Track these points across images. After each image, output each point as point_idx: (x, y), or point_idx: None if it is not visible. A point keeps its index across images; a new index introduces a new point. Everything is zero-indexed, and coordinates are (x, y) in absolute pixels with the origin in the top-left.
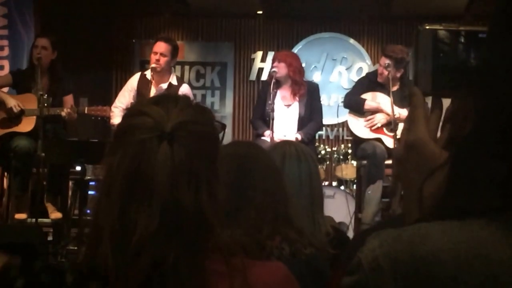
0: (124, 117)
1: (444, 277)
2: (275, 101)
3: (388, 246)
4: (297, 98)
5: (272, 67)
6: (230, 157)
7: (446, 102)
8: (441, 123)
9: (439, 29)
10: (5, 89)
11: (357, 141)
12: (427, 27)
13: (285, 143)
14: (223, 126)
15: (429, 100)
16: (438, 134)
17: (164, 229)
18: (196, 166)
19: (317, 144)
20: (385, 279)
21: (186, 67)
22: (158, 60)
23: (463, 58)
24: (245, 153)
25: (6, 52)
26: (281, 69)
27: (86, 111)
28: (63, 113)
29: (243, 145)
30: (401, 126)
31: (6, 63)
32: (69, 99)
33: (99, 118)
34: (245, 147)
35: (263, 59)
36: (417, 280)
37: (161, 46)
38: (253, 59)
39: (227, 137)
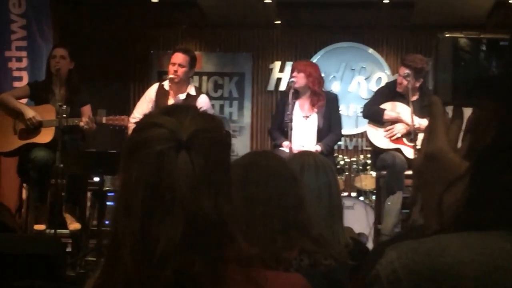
0: (136, 131)
1: None
2: (294, 111)
3: (407, 258)
4: (315, 110)
5: (291, 77)
6: (236, 167)
7: (467, 111)
8: (462, 133)
9: (460, 37)
10: (24, 101)
11: (377, 152)
12: (447, 35)
13: (304, 154)
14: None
15: (449, 110)
16: (459, 144)
17: (188, 239)
18: (214, 173)
19: (336, 154)
20: None
21: (204, 78)
22: (176, 71)
23: (484, 66)
24: (249, 162)
25: (25, 63)
26: (300, 80)
27: (104, 121)
28: (82, 123)
29: (251, 154)
30: (421, 136)
31: (24, 74)
32: (86, 110)
33: (117, 128)
34: (252, 156)
35: (281, 69)
36: None
37: (179, 57)
38: (271, 69)
39: (245, 148)
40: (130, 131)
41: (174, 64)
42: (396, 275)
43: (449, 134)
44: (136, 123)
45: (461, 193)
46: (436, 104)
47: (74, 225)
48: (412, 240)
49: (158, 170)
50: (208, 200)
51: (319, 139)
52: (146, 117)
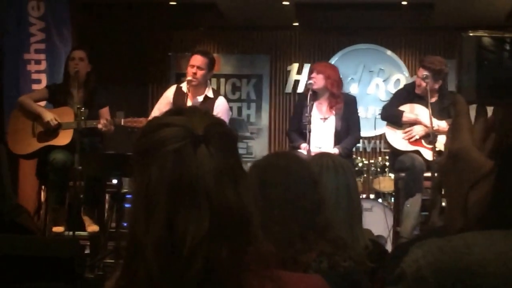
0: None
1: (489, 287)
2: (312, 113)
3: (432, 256)
4: (333, 112)
5: (309, 78)
6: (255, 168)
7: (491, 110)
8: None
9: (483, 36)
10: (42, 103)
11: (395, 154)
12: (471, 34)
13: (323, 156)
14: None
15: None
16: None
17: (214, 231)
18: (232, 165)
19: (354, 156)
20: None
21: (222, 80)
22: (194, 74)
23: (508, 65)
24: (269, 164)
25: (43, 66)
26: (319, 81)
27: (122, 123)
28: (100, 125)
29: (270, 156)
30: (439, 138)
31: (43, 77)
32: (105, 112)
33: (135, 130)
34: (271, 157)
35: (299, 71)
36: None
37: (197, 59)
38: (289, 71)
39: (263, 150)
40: None
41: (192, 66)
42: (422, 273)
43: (473, 133)
44: (143, 126)
45: (485, 192)
46: (460, 103)
47: (92, 227)
48: (437, 238)
49: (179, 167)
50: (231, 191)
51: (337, 141)
52: (154, 119)
